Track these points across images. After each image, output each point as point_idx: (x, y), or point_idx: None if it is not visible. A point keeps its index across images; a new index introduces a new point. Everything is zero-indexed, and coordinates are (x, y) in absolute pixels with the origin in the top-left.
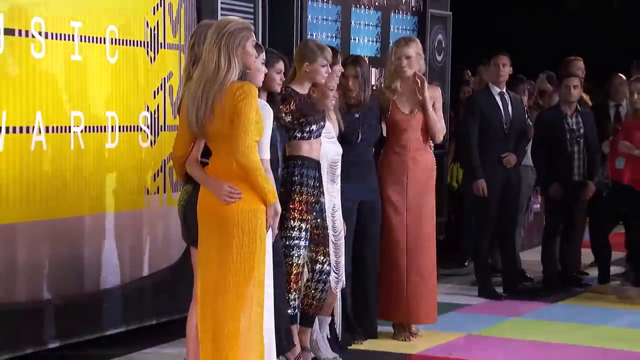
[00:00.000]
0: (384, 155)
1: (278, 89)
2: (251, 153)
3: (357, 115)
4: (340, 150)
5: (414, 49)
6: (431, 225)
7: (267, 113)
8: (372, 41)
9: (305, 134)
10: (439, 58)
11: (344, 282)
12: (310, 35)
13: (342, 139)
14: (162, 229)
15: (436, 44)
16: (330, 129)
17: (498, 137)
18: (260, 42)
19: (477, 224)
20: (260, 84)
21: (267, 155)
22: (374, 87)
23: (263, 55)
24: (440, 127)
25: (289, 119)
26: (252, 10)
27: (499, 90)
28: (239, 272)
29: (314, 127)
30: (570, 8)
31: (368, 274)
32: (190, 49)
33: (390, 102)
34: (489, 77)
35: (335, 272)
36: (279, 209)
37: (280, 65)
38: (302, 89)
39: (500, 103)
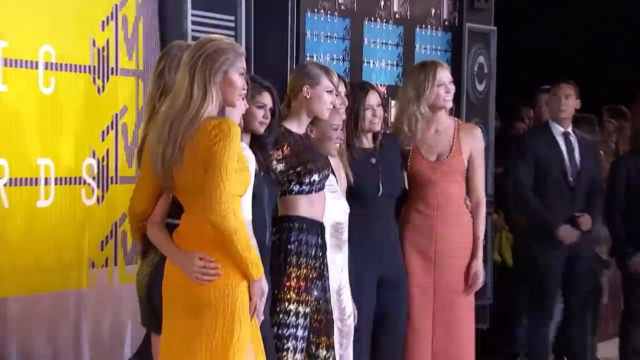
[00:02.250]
0: (404, 216)
1: (260, 129)
2: (229, 212)
3: (373, 161)
4: (347, 207)
5: None
6: (468, 310)
7: (248, 160)
8: (392, 65)
9: (304, 187)
10: (480, 87)
11: None
12: (310, 57)
13: (355, 193)
14: (112, 314)
15: (476, 69)
16: (333, 180)
17: (560, 192)
18: None
19: (533, 308)
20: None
21: (249, 215)
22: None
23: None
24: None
25: (282, 168)
26: (232, 25)
27: (561, 129)
28: None
29: (315, 177)
30: None
31: None
32: (157, 77)
33: (410, 144)
34: (548, 112)
35: None
36: (266, 288)
37: (265, 97)
38: (299, 126)
39: (563, 146)
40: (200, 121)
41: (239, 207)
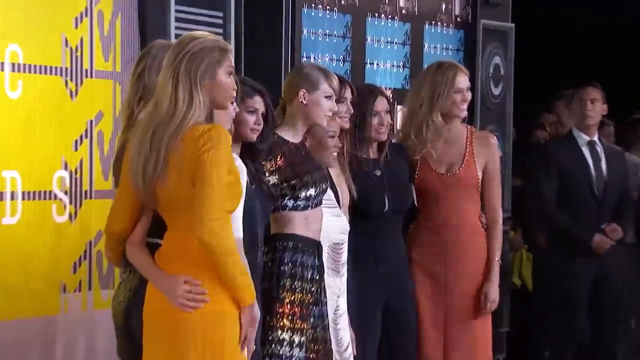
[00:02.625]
0: (412, 235)
1: (252, 136)
2: (221, 229)
3: (378, 173)
4: (346, 226)
5: None
6: (483, 340)
7: (239, 171)
8: (398, 66)
9: (299, 202)
10: (496, 91)
11: None
12: (307, 57)
13: (358, 209)
14: (86, 343)
15: (492, 71)
16: (331, 195)
17: (586, 207)
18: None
19: (554, 337)
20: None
21: (239, 233)
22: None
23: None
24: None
25: (276, 180)
26: (220, 22)
27: (587, 138)
28: None
29: (311, 191)
30: None
31: None
32: (136, 79)
33: (418, 155)
34: (572, 119)
35: None
36: (258, 315)
37: (257, 101)
38: (294, 134)
39: (589, 157)
40: (186, 128)
41: (229, 225)
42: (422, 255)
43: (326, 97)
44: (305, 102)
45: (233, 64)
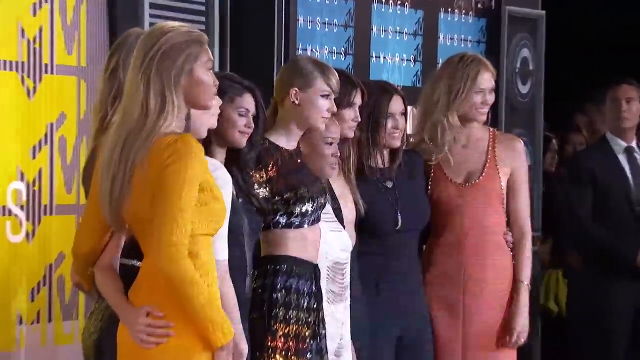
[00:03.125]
0: (427, 255)
1: (242, 141)
2: (181, 257)
3: (389, 185)
4: (348, 242)
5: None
6: None
7: (223, 183)
8: (408, 60)
9: (294, 219)
10: (524, 88)
11: None
12: (303, 50)
13: (366, 227)
14: None
15: (519, 65)
16: (329, 208)
17: (624, 222)
18: (217, 62)
19: None
20: (205, 134)
21: (224, 254)
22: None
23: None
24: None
25: (267, 193)
26: (202, 8)
27: (624, 144)
28: None
29: (308, 206)
30: None
31: None
32: (109, 76)
33: (432, 163)
34: (607, 122)
35: None
36: (245, 352)
37: (246, 100)
38: (288, 140)
39: (626, 165)
40: (155, 139)
41: (204, 250)
42: (437, 279)
43: (323, 96)
44: (297, 102)
45: (212, 58)
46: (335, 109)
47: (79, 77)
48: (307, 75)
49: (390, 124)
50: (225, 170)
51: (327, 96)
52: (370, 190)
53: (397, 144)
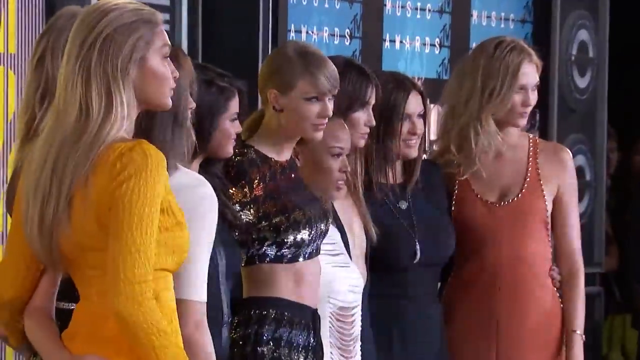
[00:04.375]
0: (450, 291)
1: (231, 149)
2: (144, 297)
3: (404, 206)
4: (359, 281)
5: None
6: None
7: (208, 205)
8: (432, 45)
9: (285, 251)
10: (582, 83)
11: None
12: (296, 32)
13: (377, 260)
14: None
15: (575, 52)
16: (337, 237)
17: None
18: (185, 49)
19: None
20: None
21: (201, 295)
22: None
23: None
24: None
25: (251, 217)
26: None
27: None
28: None
29: (304, 234)
30: None
31: None
32: (35, 66)
33: (456, 178)
34: None
35: None
36: None
37: (236, 104)
38: (278, 150)
39: None
40: (100, 149)
41: (164, 292)
42: (462, 321)
43: (307, 98)
44: (278, 108)
45: (168, 41)
46: (330, 112)
47: (6, 67)
48: (287, 73)
49: (406, 127)
50: (210, 188)
51: (312, 98)
52: (380, 213)
53: (413, 153)
